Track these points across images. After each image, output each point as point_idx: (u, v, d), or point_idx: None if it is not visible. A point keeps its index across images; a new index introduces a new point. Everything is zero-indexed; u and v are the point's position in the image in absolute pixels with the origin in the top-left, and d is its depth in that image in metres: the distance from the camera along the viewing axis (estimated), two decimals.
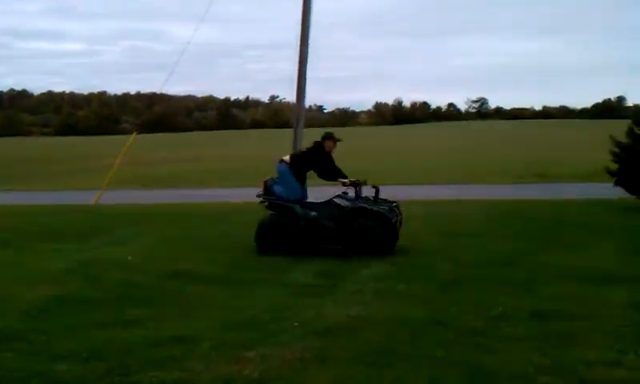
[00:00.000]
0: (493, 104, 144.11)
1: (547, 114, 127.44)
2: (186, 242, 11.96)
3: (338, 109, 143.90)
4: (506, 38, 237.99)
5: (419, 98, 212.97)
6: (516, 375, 5.00)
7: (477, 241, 11.10)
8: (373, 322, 6.47)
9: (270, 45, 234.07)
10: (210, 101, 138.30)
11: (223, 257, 10.34)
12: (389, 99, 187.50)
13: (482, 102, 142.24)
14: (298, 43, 18.65)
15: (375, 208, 10.16)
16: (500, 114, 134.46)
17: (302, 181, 10.59)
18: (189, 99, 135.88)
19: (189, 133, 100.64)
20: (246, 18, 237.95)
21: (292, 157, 10.73)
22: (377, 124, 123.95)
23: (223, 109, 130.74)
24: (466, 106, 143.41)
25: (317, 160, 10.51)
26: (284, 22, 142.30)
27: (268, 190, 10.58)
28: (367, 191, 10.60)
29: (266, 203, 10.69)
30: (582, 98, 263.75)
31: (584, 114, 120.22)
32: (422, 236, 11.64)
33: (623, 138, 16.35)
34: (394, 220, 10.17)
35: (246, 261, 10.00)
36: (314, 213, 10.32)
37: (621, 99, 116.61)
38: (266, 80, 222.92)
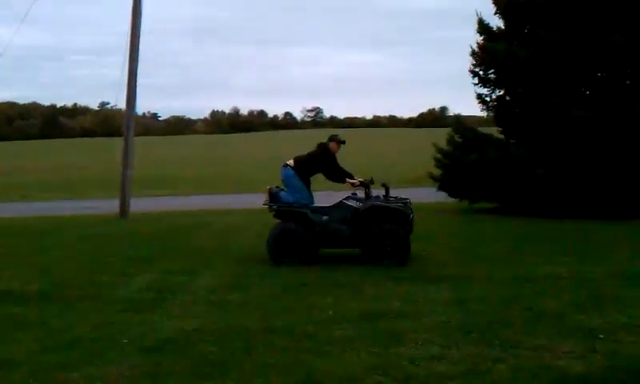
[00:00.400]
0: (327, 113, 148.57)
1: (377, 122, 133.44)
2: (2, 259, 11.04)
3: (173, 116, 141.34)
4: (340, 49, 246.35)
5: (256, 106, 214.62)
6: (346, 377, 5.08)
7: None
8: (206, 334, 6.31)
9: (100, 49, 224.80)
10: (33, 108, 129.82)
11: (45, 274, 9.60)
12: (225, 107, 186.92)
13: (318, 111, 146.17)
14: (128, 48, 18.11)
15: (392, 206, 9.83)
16: (334, 122, 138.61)
17: (307, 184, 10.20)
18: (9, 106, 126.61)
19: (9, 142, 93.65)
20: (74, 21, 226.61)
21: (296, 160, 10.22)
22: (213, 132, 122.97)
23: (49, 116, 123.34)
24: (302, 115, 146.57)
25: (323, 162, 10.18)
26: (115, 26, 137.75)
27: (274, 198, 10.07)
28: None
29: (274, 212, 10.16)
30: (409, 108, 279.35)
31: (411, 122, 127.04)
32: (255, 244, 11.61)
33: (445, 146, 17.48)
34: (411, 216, 9.96)
35: (70, 277, 9.35)
36: (325, 217, 9.93)
37: (443, 109, 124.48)
38: (94, 86, 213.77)
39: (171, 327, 6.59)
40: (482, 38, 17.38)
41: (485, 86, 17.35)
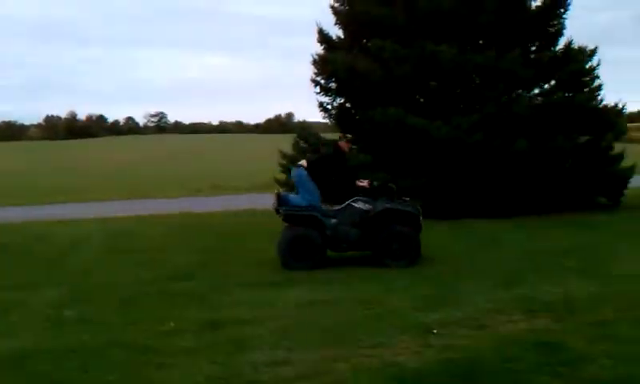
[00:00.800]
0: (172, 118, 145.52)
1: (224, 128, 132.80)
2: None
3: (4, 122, 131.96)
4: (185, 52, 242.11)
5: (95, 111, 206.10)
6: None
7: (155, 256, 10.98)
8: (40, 353, 5.95)
9: None
10: None
11: None
12: (61, 112, 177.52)
13: (161, 116, 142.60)
14: None
15: (404, 208, 9.84)
16: (179, 128, 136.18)
17: (318, 186, 9.91)
18: None
19: None
20: None
21: (309, 161, 10.04)
22: (49, 138, 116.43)
23: None
24: (145, 120, 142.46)
25: (337, 162, 10.07)
26: None
27: (282, 201, 9.81)
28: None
29: (282, 216, 9.87)
30: (256, 114, 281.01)
31: (258, 128, 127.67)
32: (98, 256, 11.16)
33: (290, 151, 17.72)
34: (421, 218, 9.88)
35: None
36: (334, 220, 9.75)
37: (290, 115, 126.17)
38: None
39: (2, 346, 6.15)
40: (322, 47, 17.84)
41: (326, 95, 17.79)
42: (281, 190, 17.51)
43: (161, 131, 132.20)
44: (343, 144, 10.34)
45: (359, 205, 9.98)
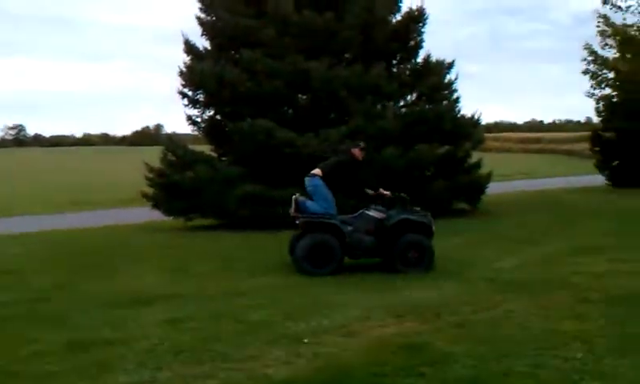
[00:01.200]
0: (31, 131, 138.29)
1: (88, 141, 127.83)
2: None
3: None
4: (44, 62, 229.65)
5: None
6: None
7: (12, 278, 10.30)
8: None
9: None
10: None
11: None
12: None
13: (20, 128, 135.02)
14: None
15: (418, 219, 9.95)
16: (39, 141, 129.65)
17: (333, 194, 9.96)
18: None
19: None
20: None
21: (324, 169, 10.03)
22: None
23: None
24: (2, 133, 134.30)
25: (352, 170, 10.14)
26: None
27: (300, 207, 9.82)
28: None
29: (300, 223, 9.92)
30: (123, 126, 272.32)
31: (124, 141, 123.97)
32: None
33: (158, 164, 17.30)
34: (433, 227, 9.99)
35: None
36: (349, 227, 9.84)
37: (159, 127, 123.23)
38: None
39: None
40: (189, 58, 17.60)
41: (194, 107, 17.58)
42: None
43: (20, 145, 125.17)
44: (357, 151, 10.35)
45: (373, 213, 10.15)
